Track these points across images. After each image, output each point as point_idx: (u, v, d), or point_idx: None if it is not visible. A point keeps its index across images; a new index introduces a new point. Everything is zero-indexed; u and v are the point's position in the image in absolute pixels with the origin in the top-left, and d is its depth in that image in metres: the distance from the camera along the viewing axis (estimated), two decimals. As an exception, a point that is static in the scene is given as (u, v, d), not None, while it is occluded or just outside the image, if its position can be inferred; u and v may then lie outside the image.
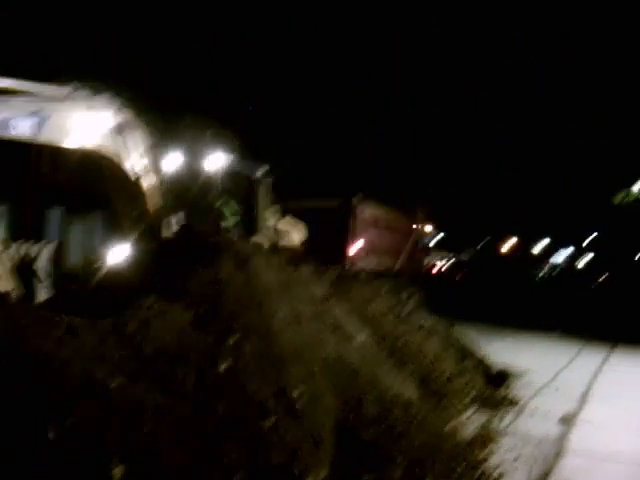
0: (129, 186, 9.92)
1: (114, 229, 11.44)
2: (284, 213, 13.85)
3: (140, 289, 6.66)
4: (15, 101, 8.01)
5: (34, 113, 8.10)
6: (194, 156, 11.20)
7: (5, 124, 7.87)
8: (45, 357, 4.76)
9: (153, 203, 10.04)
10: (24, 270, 9.41)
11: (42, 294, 8.98)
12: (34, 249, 9.55)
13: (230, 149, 12.19)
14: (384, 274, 18.97)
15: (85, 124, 8.94)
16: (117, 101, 9.60)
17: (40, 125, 8.18)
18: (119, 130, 9.68)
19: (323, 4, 42.88)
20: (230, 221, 11.32)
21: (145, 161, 9.97)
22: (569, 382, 11.56)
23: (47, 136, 8.33)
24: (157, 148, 10.41)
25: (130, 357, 5.35)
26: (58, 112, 8.45)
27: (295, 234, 14.03)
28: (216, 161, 11.15)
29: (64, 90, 8.73)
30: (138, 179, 9.84)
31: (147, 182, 9.95)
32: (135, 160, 9.90)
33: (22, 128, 8.03)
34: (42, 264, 9.39)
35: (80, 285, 8.38)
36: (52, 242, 10.04)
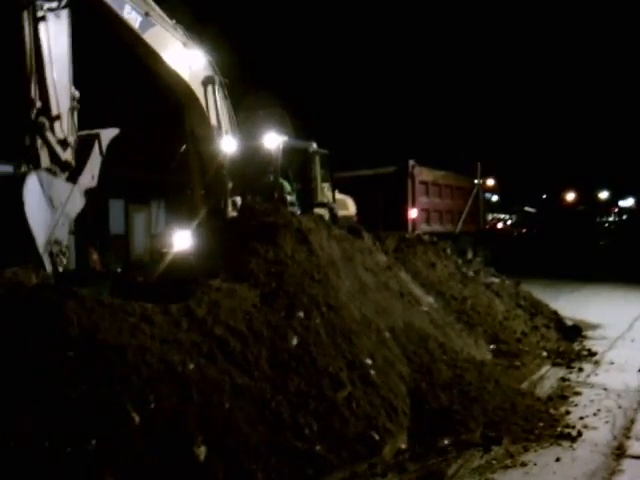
0: (209, 147, 10.12)
1: (180, 211, 11.66)
2: (342, 183, 13.92)
3: (208, 271, 6.77)
4: None
5: (144, 14, 8.44)
6: (251, 135, 11.35)
7: (121, 4, 8.13)
8: (122, 346, 4.90)
9: (222, 181, 10.20)
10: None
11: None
12: None
13: (284, 126, 12.32)
14: (447, 235, 18.82)
15: (181, 54, 9.27)
16: (208, 57, 9.92)
17: (146, 25, 8.47)
18: (206, 82, 9.95)
19: None
20: (292, 195, 11.49)
21: (224, 132, 10.19)
22: (645, 331, 11.31)
23: (150, 38, 8.62)
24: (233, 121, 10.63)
25: (203, 339, 5.46)
26: (162, 25, 8.85)
27: (351, 204, 14.12)
28: (272, 139, 11.29)
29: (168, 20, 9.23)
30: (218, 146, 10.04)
31: (223, 155, 10.15)
32: (216, 121, 10.13)
33: (131, 15, 8.29)
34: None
35: (148, 272, 8.56)
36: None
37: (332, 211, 11.87)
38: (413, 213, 18.29)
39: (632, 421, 6.61)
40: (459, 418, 6.09)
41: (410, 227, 17.80)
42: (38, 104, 7.02)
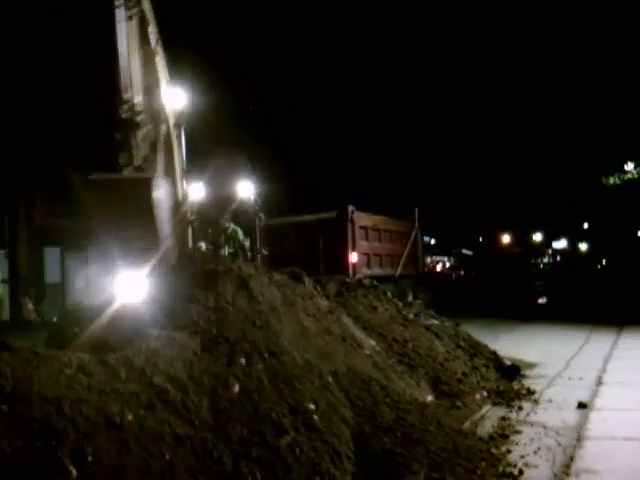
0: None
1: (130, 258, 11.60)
2: (285, 228, 14.29)
3: (147, 319, 6.68)
4: None
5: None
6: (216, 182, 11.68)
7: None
8: (58, 398, 4.77)
9: (186, 227, 10.22)
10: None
11: None
12: None
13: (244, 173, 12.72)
14: (387, 278, 19.01)
15: (166, 90, 9.29)
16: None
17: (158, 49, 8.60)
18: (178, 124, 9.92)
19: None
20: (247, 241, 11.72)
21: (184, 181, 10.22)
22: (581, 370, 11.56)
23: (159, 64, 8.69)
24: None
25: (142, 389, 5.36)
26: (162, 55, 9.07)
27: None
28: (245, 187, 11.66)
29: None
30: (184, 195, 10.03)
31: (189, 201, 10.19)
32: (180, 166, 10.13)
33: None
34: None
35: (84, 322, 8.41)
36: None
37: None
38: (354, 257, 18.44)
39: (571, 458, 6.72)
40: (403, 461, 6.08)
41: (351, 271, 17.91)
42: (136, 99, 7.27)
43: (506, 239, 69.15)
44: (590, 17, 49.21)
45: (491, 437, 7.41)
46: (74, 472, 4.36)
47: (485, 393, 9.65)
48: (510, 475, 6.15)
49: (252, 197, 12.22)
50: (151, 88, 9.35)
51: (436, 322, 12.37)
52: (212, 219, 11.70)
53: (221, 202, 11.93)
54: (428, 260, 37.50)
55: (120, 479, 4.49)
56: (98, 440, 4.63)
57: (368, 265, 19.29)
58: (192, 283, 7.31)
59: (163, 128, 9.73)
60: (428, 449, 6.36)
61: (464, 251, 62.93)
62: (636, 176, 47.59)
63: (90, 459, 4.49)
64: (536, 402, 9.29)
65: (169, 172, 9.95)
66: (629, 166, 47.76)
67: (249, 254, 11.25)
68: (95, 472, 4.44)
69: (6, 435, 4.40)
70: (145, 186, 7.75)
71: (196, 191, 10.33)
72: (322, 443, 5.81)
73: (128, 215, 7.86)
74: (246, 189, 12.13)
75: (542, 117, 55.06)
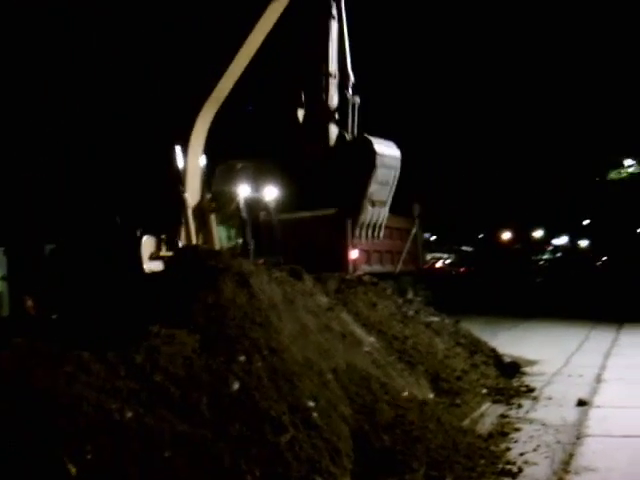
0: None
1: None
2: (283, 225, 14.77)
3: (146, 316, 6.68)
4: None
5: None
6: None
7: None
8: (58, 395, 4.78)
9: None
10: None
11: None
12: None
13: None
14: (387, 275, 18.98)
15: None
16: None
17: None
18: None
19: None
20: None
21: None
22: (581, 367, 11.57)
23: None
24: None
25: (142, 386, 5.36)
26: None
27: None
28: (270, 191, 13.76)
29: None
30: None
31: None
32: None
33: None
34: None
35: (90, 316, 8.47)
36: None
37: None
38: (354, 254, 18.40)
39: (571, 455, 6.73)
40: (402, 458, 6.09)
41: (351, 268, 17.87)
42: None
43: (506, 236, 69.14)
44: (588, 10, 49.05)
45: (490, 435, 7.42)
46: (73, 470, 4.36)
47: (485, 390, 9.66)
48: (509, 473, 6.15)
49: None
50: None
51: (436, 319, 12.36)
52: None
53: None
54: (428, 257, 37.44)
55: (119, 477, 4.49)
56: (97, 438, 4.63)
57: (368, 262, 19.24)
58: (192, 280, 7.30)
59: None
60: (427, 447, 6.36)
61: (464, 248, 62.95)
62: (636, 172, 47.53)
63: (89, 457, 4.49)
64: (536, 399, 9.30)
65: None
66: (629, 162, 47.70)
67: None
68: (95, 470, 4.44)
69: (5, 432, 4.40)
70: None
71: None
72: (321, 441, 5.81)
73: None
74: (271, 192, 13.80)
75: (542, 113, 54.88)
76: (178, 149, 11.84)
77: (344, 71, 17.86)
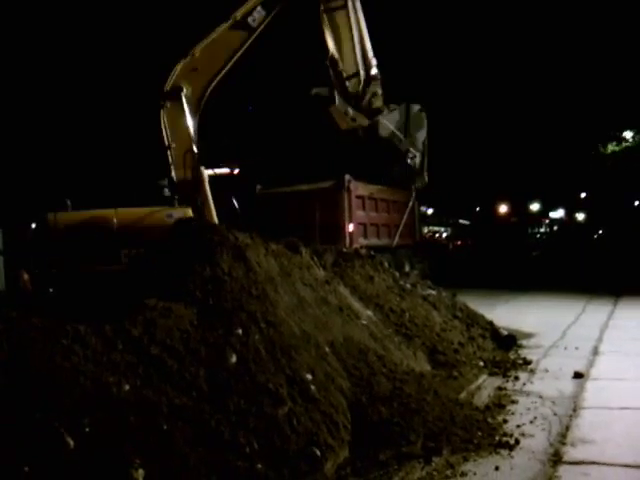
0: None
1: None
2: (279, 198, 15.16)
3: (143, 289, 6.65)
4: None
5: None
6: None
7: None
8: (54, 369, 4.76)
9: None
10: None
11: None
12: None
13: None
14: (384, 248, 18.98)
15: None
16: None
17: None
18: None
19: None
20: None
21: None
22: (578, 339, 11.60)
23: None
24: None
25: (139, 360, 5.35)
26: None
27: None
28: None
29: None
30: None
31: None
32: None
33: None
34: None
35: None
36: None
37: None
38: (350, 227, 18.37)
39: (567, 428, 6.75)
40: (399, 430, 6.11)
41: (348, 241, 17.84)
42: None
43: (503, 209, 69.20)
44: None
45: (487, 407, 7.44)
46: (71, 443, 4.37)
47: (482, 363, 9.68)
48: (506, 445, 6.17)
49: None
50: None
51: (433, 292, 12.36)
52: None
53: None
54: (425, 230, 37.45)
55: (117, 450, 4.49)
56: (95, 411, 4.63)
57: (365, 235, 19.20)
58: (188, 253, 7.26)
59: None
60: (425, 419, 6.38)
61: (461, 221, 63.03)
62: (634, 144, 47.38)
63: (87, 430, 4.49)
64: (532, 372, 9.32)
65: None
66: (627, 134, 47.53)
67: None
68: (92, 443, 4.45)
69: (2, 406, 4.39)
70: None
71: None
72: (319, 413, 5.82)
73: None
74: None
75: (539, 86, 54.62)
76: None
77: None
